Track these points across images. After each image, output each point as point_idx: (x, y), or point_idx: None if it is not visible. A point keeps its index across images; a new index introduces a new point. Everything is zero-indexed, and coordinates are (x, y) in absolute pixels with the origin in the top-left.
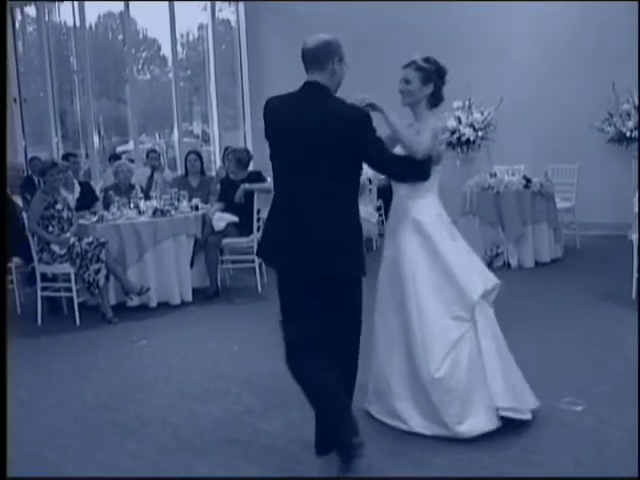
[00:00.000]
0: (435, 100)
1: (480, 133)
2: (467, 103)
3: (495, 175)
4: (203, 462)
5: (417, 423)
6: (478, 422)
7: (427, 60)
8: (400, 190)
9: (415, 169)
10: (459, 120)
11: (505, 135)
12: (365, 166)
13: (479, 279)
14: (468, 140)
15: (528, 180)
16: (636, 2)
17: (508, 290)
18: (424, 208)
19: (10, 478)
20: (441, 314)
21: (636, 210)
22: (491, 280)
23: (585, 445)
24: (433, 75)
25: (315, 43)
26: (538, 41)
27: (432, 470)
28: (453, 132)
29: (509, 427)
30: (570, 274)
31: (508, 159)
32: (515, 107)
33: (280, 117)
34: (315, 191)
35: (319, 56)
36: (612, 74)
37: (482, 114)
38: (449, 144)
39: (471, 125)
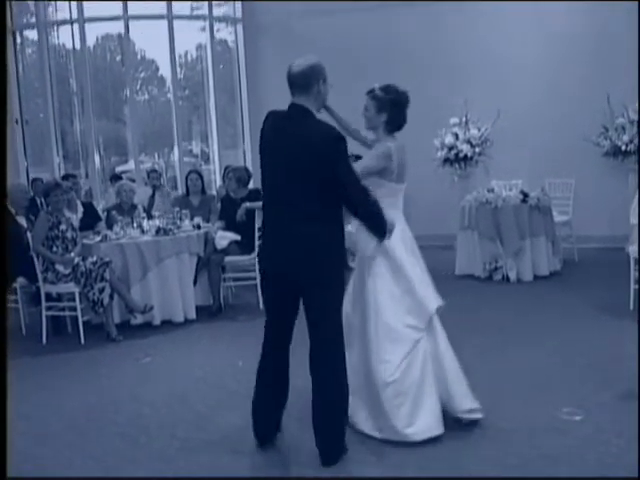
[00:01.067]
0: (391, 127)
1: (477, 149)
2: (464, 119)
3: (493, 190)
4: (209, 474)
5: (362, 421)
6: (427, 425)
7: (385, 89)
8: None
9: (373, 207)
10: (456, 136)
11: (502, 150)
12: None
13: (434, 294)
14: (465, 156)
15: (525, 195)
16: (636, 2)
17: (508, 303)
18: None
19: (10, 478)
20: (398, 322)
21: (633, 222)
22: (439, 299)
23: (584, 452)
24: (387, 105)
25: (301, 67)
26: (533, 57)
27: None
28: (450, 148)
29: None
30: (569, 287)
31: (505, 174)
32: (511, 123)
33: (267, 140)
34: (292, 210)
35: (305, 80)
36: (607, 88)
37: (479, 130)
38: (447, 160)
39: (468, 141)
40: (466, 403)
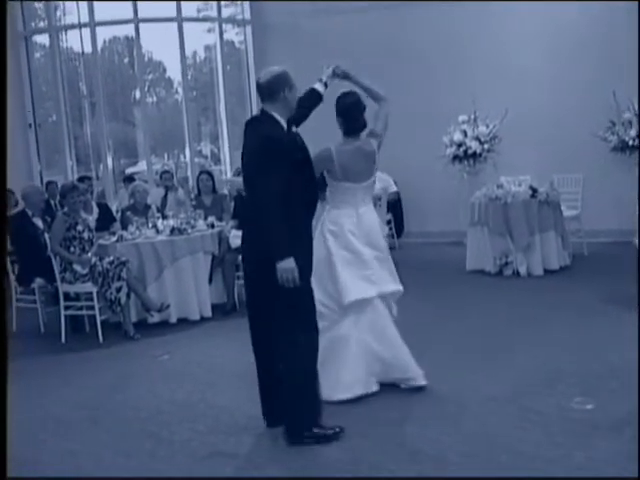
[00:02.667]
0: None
1: (486, 146)
2: (472, 117)
3: (502, 186)
4: (231, 467)
5: None
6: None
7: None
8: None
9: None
10: (465, 133)
11: (510, 147)
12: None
13: (365, 286)
14: (474, 153)
15: (534, 190)
16: (636, 2)
17: (519, 298)
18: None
19: (10, 478)
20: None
21: (638, 214)
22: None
23: (596, 441)
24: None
25: (266, 77)
26: (540, 53)
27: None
28: (459, 145)
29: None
30: (579, 280)
31: (514, 170)
32: (519, 119)
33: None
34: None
35: (271, 88)
36: (613, 83)
37: (487, 127)
38: (456, 157)
39: (477, 138)
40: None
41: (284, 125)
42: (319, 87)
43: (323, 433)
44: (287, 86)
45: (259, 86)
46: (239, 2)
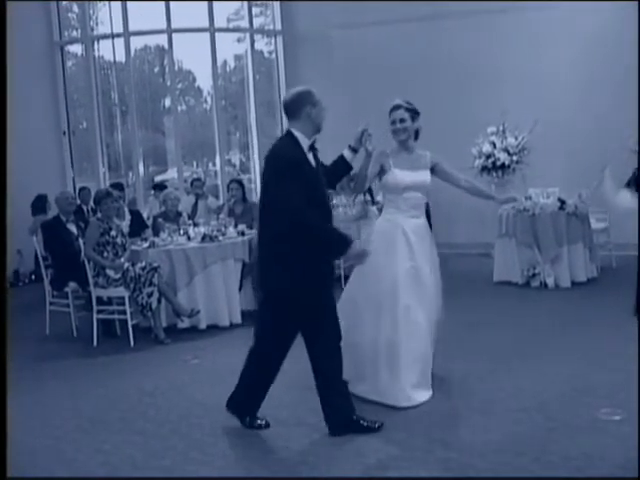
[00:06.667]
0: (417, 134)
1: (515, 157)
2: (501, 128)
3: (530, 198)
4: (263, 468)
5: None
6: None
7: (408, 102)
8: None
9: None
10: (494, 145)
11: (539, 158)
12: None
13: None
14: (503, 164)
15: (563, 202)
16: (636, 2)
17: (546, 309)
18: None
19: (10, 478)
20: None
21: None
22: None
23: (624, 452)
24: (416, 114)
25: (290, 96)
26: (569, 64)
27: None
28: (488, 157)
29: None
30: (606, 292)
31: (542, 182)
32: (548, 131)
33: None
34: (264, 230)
35: (294, 106)
36: None
37: (516, 139)
38: (484, 168)
39: (505, 150)
40: None
41: (306, 143)
42: (347, 155)
43: (366, 425)
44: (310, 104)
45: (284, 105)
46: (270, 12)
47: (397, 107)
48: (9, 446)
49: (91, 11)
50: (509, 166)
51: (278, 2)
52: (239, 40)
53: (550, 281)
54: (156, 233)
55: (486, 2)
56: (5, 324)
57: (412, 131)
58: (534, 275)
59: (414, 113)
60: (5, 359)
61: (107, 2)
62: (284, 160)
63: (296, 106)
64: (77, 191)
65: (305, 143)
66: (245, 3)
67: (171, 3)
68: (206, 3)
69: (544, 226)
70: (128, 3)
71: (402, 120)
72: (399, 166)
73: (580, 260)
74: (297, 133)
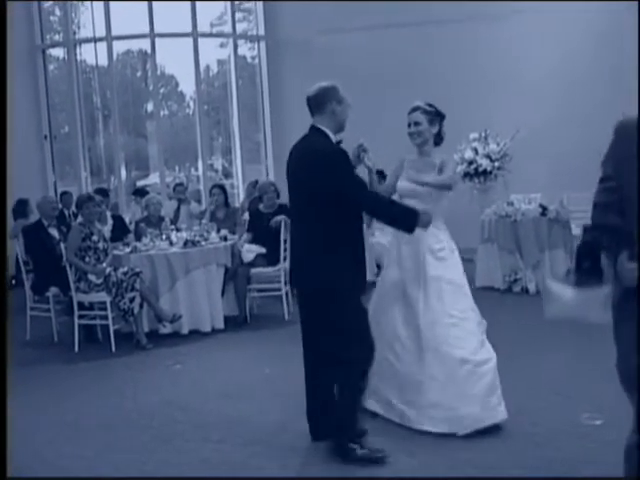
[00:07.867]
0: (439, 139)
1: (496, 163)
2: (483, 134)
3: (512, 204)
4: (243, 474)
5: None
6: None
7: (430, 105)
8: None
9: (385, 209)
10: (476, 151)
11: (521, 164)
12: None
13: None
14: (485, 170)
15: (544, 208)
16: (636, 2)
17: (527, 314)
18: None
19: (10, 478)
20: None
21: None
22: None
23: (604, 455)
24: (436, 117)
25: (315, 90)
26: (551, 72)
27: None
28: (470, 163)
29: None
30: None
31: (524, 188)
32: (530, 137)
33: (288, 164)
34: (302, 228)
35: (318, 100)
36: (624, 102)
37: (498, 145)
38: (466, 174)
39: (487, 156)
40: None
41: (333, 139)
42: None
43: (371, 456)
44: (335, 100)
45: (308, 100)
46: (253, 18)
47: (414, 109)
48: (9, 446)
49: (73, 14)
50: (491, 172)
51: (261, 7)
52: (222, 45)
53: (531, 286)
54: (138, 238)
55: (469, 10)
56: (5, 325)
57: (429, 135)
58: (516, 280)
59: (434, 116)
60: (5, 360)
61: (90, 3)
62: (336, 154)
63: (320, 101)
64: (59, 195)
65: (333, 139)
66: (229, 8)
67: (154, 7)
68: (189, 8)
69: (526, 232)
70: (111, 7)
71: (417, 123)
72: (407, 173)
73: (561, 266)
74: (324, 129)
